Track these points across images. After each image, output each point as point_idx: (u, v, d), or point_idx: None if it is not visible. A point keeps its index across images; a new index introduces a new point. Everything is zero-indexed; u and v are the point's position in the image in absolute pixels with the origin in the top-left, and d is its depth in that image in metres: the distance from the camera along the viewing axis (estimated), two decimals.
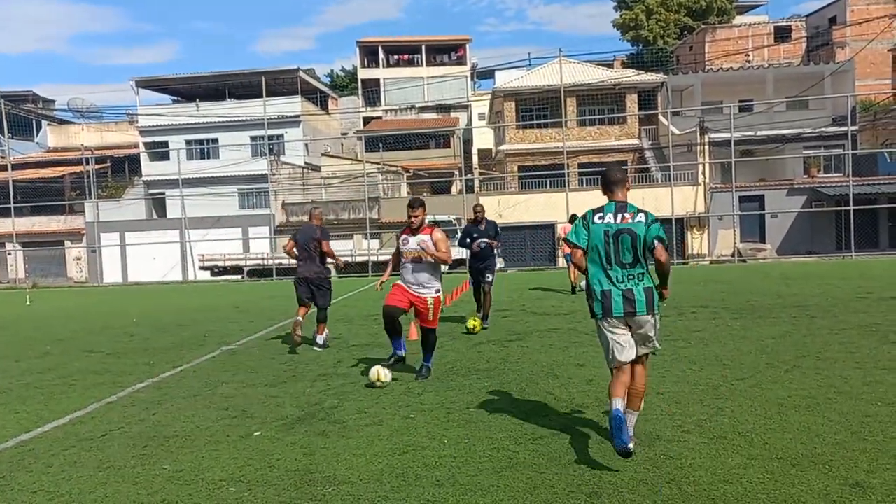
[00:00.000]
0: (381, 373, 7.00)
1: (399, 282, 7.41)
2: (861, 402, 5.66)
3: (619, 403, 4.58)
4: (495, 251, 11.28)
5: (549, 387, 6.68)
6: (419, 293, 7.27)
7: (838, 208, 28.93)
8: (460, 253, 26.51)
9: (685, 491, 4.05)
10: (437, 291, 7.32)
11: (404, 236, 7.42)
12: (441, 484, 4.33)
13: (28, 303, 20.64)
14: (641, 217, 4.78)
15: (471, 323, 10.22)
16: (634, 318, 4.72)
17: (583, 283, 5.31)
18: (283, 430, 5.70)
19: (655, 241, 4.71)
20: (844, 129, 31.46)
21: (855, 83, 37.03)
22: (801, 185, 32.60)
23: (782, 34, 48.57)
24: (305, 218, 35.88)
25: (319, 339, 9.59)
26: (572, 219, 17.54)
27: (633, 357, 4.76)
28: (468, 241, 11.09)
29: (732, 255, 29.02)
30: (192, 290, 24.90)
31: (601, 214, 4.87)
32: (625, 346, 4.74)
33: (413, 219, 7.29)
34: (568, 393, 6.42)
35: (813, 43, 49.04)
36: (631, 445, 4.45)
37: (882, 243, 31.37)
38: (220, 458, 5.06)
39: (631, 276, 4.75)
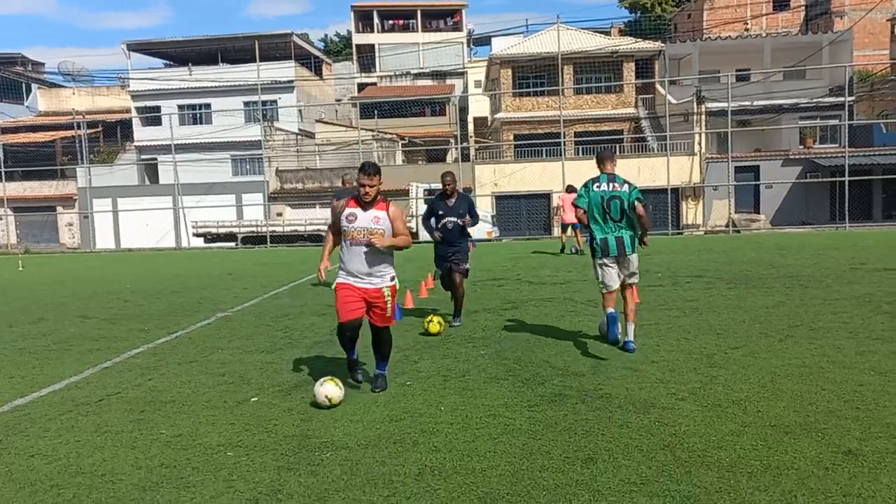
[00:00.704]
0: (330, 393, 5.31)
1: (344, 278, 5.73)
2: (854, 371, 5.71)
3: (611, 309, 6.79)
4: (468, 235, 8.66)
5: (545, 355, 6.71)
6: (373, 284, 5.65)
7: (833, 179, 28.93)
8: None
9: (679, 457, 4.09)
10: (393, 279, 5.76)
11: (350, 210, 5.65)
12: (438, 450, 4.37)
13: (20, 268, 20.56)
14: (626, 186, 6.76)
15: (432, 326, 7.83)
16: (625, 256, 6.73)
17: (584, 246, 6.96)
18: (280, 396, 5.72)
19: (636, 202, 6.67)
20: (841, 99, 31.33)
21: (853, 53, 36.80)
22: (797, 156, 32.55)
23: (781, 2, 48.06)
24: (299, 185, 35.86)
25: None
26: (570, 189, 17.88)
27: (618, 284, 6.80)
28: (433, 220, 8.48)
29: (727, 226, 29.06)
30: (186, 256, 24.84)
31: (598, 184, 6.81)
32: (613, 276, 6.78)
33: (367, 189, 5.60)
34: (563, 361, 6.45)
35: (812, 12, 48.62)
36: (630, 343, 6.67)
37: (875, 215, 31.45)
38: (217, 423, 5.08)
39: (620, 228, 6.72)
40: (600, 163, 6.93)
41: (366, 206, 5.64)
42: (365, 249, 5.57)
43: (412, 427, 4.81)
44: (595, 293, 10.45)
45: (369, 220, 5.58)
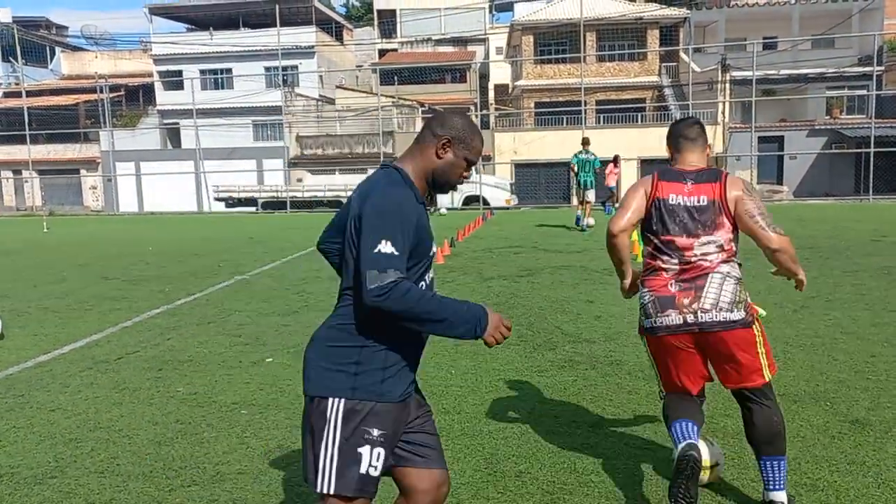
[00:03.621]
0: None
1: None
2: (867, 343, 5.69)
3: None
4: None
5: (558, 321, 6.75)
6: None
7: (859, 150, 28.44)
8: (473, 189, 26.44)
9: None
10: None
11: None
12: (447, 411, 4.44)
13: (45, 230, 20.87)
14: None
15: None
16: None
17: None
18: (294, 357, 5.81)
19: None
20: (870, 69, 30.66)
21: (884, 21, 35.89)
22: (822, 127, 31.98)
23: None
24: (319, 151, 35.87)
25: None
26: (615, 159, 20.99)
27: None
28: None
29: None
30: (207, 220, 25.06)
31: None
32: None
33: None
34: (576, 328, 6.49)
35: None
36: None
37: None
38: (232, 382, 5.19)
39: None
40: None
41: None
42: None
43: (423, 389, 4.86)
44: (609, 263, 10.45)
45: None
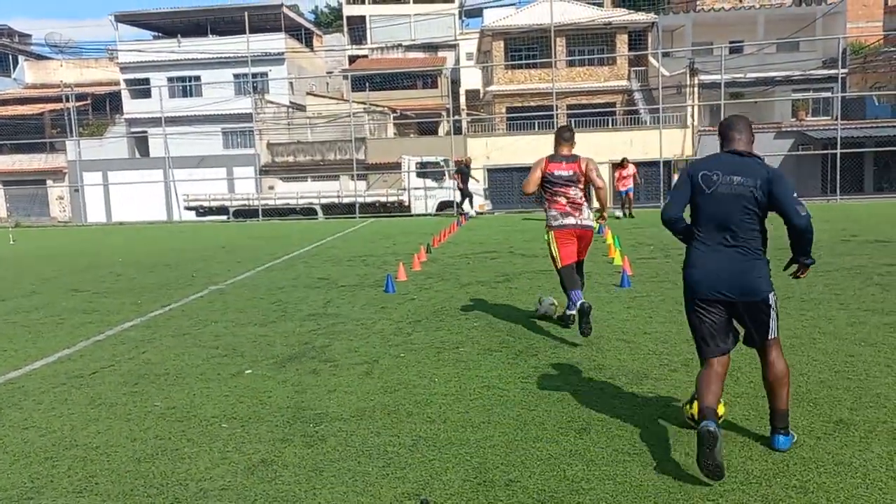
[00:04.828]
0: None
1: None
2: (845, 343, 5.75)
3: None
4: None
5: (538, 327, 6.73)
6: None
7: (825, 152, 28.94)
8: (448, 195, 26.42)
9: (672, 427, 4.13)
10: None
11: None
12: (432, 420, 4.39)
13: (12, 241, 20.44)
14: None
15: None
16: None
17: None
18: (273, 368, 5.73)
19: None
20: (834, 71, 31.23)
21: (846, 25, 36.63)
22: (789, 129, 32.50)
23: None
24: (291, 158, 35.63)
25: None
26: (623, 161, 20.12)
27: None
28: None
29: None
30: (178, 229, 24.73)
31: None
32: None
33: None
34: (557, 333, 6.47)
35: None
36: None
37: (867, 187, 31.54)
38: (211, 395, 5.09)
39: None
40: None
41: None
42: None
43: (406, 398, 4.83)
44: (586, 266, 10.47)
45: None
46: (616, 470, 3.60)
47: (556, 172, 6.33)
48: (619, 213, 19.64)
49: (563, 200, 6.36)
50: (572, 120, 34.36)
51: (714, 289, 3.77)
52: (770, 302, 3.80)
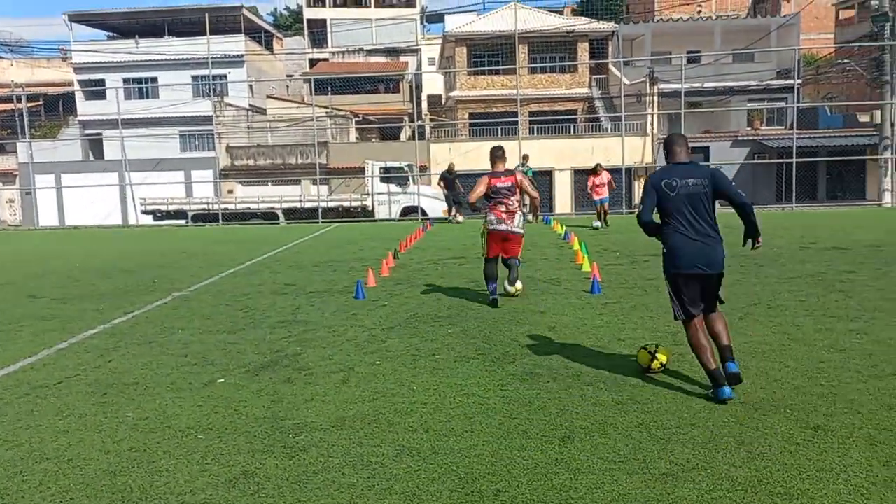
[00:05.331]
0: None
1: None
2: (814, 349, 5.86)
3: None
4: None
5: (513, 334, 6.72)
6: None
7: (780, 160, 29.63)
8: (411, 200, 26.31)
9: (654, 435, 4.15)
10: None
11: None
12: (414, 430, 4.34)
13: None
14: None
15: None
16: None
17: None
18: (246, 377, 5.62)
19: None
20: (788, 82, 32.04)
21: (800, 37, 37.60)
22: (745, 138, 33.21)
23: None
24: (251, 162, 35.20)
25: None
26: (595, 167, 18.45)
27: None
28: None
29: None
30: (135, 234, 24.19)
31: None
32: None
33: None
34: (532, 339, 6.47)
35: None
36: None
37: (820, 195, 32.38)
38: (184, 405, 4.97)
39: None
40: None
41: None
42: None
43: (386, 407, 4.77)
44: (555, 272, 10.55)
45: None
46: (603, 479, 3.60)
47: (499, 185, 7.99)
48: (597, 223, 18.17)
49: (502, 208, 8.02)
50: (535, 126, 34.64)
51: (694, 265, 4.84)
52: (723, 274, 4.97)
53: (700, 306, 4.94)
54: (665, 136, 5.23)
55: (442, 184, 22.61)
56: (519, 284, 8.47)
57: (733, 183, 5.16)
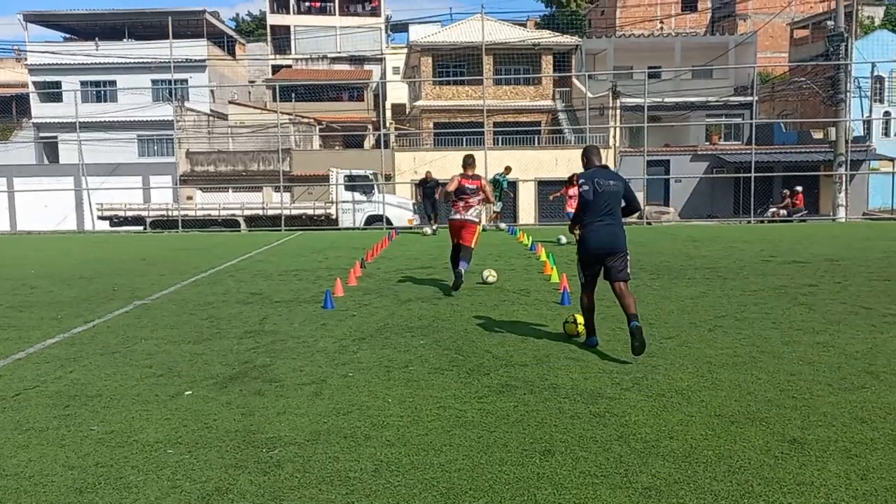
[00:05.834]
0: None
1: None
2: (784, 362, 5.92)
3: None
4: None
5: (486, 345, 6.68)
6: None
7: (738, 175, 30.21)
8: (375, 209, 26.13)
9: (634, 448, 4.13)
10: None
11: None
12: (392, 444, 4.26)
13: None
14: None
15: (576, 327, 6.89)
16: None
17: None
18: (215, 389, 5.47)
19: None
20: (746, 98, 32.73)
21: (756, 55, 38.50)
22: (704, 152, 33.81)
23: (689, 3, 49.78)
24: (211, 168, 34.70)
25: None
26: (571, 178, 16.94)
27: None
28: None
29: (639, 217, 29.89)
30: (91, 240, 23.61)
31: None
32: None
33: None
34: (505, 351, 6.44)
35: (718, 13, 50.56)
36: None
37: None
38: (151, 418, 4.81)
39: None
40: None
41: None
42: None
43: (361, 421, 4.68)
44: (524, 283, 10.55)
45: None
46: (585, 493, 3.56)
47: (466, 185, 9.72)
48: (563, 238, 17.04)
49: (461, 204, 9.71)
50: (499, 137, 34.80)
51: (601, 248, 6.20)
52: (626, 253, 6.26)
53: (596, 280, 6.43)
54: (584, 147, 6.82)
55: (419, 191, 22.30)
56: (494, 274, 10.47)
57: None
